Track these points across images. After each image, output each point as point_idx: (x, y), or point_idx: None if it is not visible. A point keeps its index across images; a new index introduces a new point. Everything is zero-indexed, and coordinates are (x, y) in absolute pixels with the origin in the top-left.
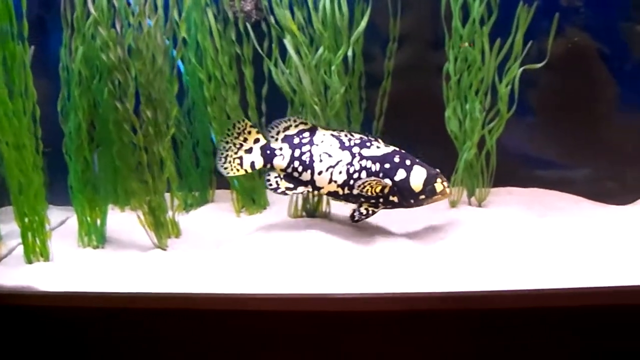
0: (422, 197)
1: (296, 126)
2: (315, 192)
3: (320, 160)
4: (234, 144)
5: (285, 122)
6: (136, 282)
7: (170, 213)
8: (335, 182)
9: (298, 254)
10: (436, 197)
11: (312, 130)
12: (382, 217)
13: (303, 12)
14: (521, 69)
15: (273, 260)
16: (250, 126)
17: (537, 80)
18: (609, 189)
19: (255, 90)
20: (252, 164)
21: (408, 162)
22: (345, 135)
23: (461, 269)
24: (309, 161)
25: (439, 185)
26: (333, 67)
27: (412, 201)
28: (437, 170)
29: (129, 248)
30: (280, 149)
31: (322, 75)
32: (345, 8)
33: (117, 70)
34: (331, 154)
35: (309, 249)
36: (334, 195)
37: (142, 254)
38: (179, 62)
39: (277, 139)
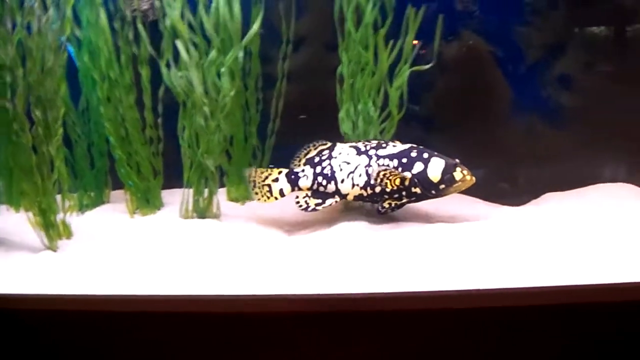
0: (442, 186)
1: (315, 148)
2: (343, 200)
3: (341, 170)
4: (260, 176)
5: (305, 149)
6: (23, 283)
7: (61, 214)
8: (358, 185)
9: (187, 253)
10: (457, 184)
11: (331, 147)
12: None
13: (207, 13)
14: (410, 70)
15: (160, 260)
16: (272, 168)
17: (432, 83)
18: (502, 190)
19: (153, 91)
20: (281, 191)
21: (426, 155)
22: (362, 143)
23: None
24: (331, 173)
25: (458, 174)
26: (223, 69)
27: (433, 192)
28: (457, 160)
29: (19, 249)
30: (303, 170)
31: (213, 77)
32: (237, 11)
33: (6, 69)
34: (349, 161)
35: (197, 249)
36: (360, 198)
37: (32, 255)
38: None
39: (300, 165)
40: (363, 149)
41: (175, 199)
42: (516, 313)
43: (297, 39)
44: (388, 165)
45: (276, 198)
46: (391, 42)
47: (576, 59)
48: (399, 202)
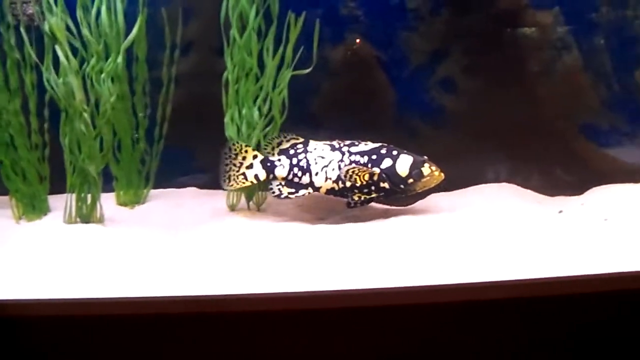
0: (411, 180)
1: (287, 141)
2: (316, 193)
3: (316, 163)
4: (234, 164)
5: (277, 138)
6: None
7: None
8: (330, 179)
9: (66, 259)
10: (425, 179)
11: (305, 142)
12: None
13: (88, 18)
14: (291, 74)
15: (37, 265)
16: (246, 146)
17: (319, 87)
18: None
19: (41, 96)
20: (256, 176)
21: (395, 152)
22: (336, 141)
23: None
24: (306, 166)
25: (426, 169)
26: (103, 75)
27: (402, 186)
28: (425, 157)
29: None
30: (279, 160)
31: (95, 82)
32: (120, 16)
33: None
34: (324, 156)
35: (76, 255)
36: (332, 192)
37: None
38: None
39: (273, 154)
40: (337, 146)
41: (60, 204)
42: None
43: (185, 43)
44: (358, 161)
45: (252, 182)
46: (271, 47)
47: (458, 63)
48: (368, 197)
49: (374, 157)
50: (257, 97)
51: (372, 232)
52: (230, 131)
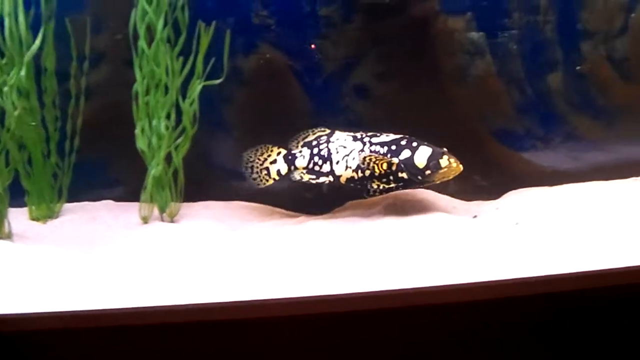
0: (428, 172)
1: (314, 134)
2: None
3: (337, 152)
4: (258, 159)
5: (304, 134)
6: None
7: None
8: (350, 167)
9: None
10: (442, 171)
11: (330, 133)
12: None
13: None
14: (202, 84)
15: None
16: (272, 147)
17: (233, 96)
18: (307, 199)
19: None
20: (279, 172)
21: (415, 144)
22: (359, 133)
23: (137, 284)
24: (327, 154)
25: (444, 161)
26: (6, 89)
27: (419, 177)
28: (445, 149)
29: None
30: (300, 151)
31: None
32: (23, 29)
33: None
34: (346, 145)
35: None
36: (351, 181)
37: None
38: None
39: (297, 147)
40: (359, 136)
41: None
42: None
43: (96, 55)
44: (378, 152)
45: (274, 179)
46: (181, 58)
47: (372, 70)
48: (387, 186)
49: (393, 147)
50: (167, 109)
51: (283, 241)
52: (141, 143)
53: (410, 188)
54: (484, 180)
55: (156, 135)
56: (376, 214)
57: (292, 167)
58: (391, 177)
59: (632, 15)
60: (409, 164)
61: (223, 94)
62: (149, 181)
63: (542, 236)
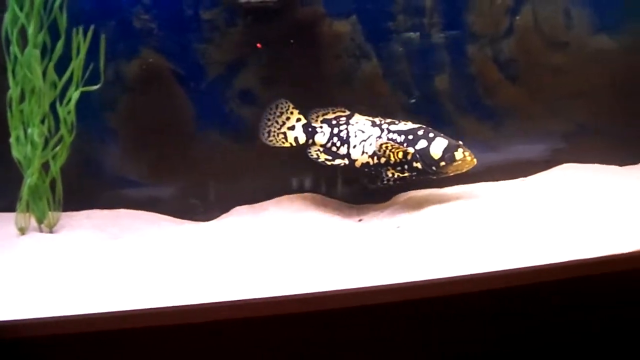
0: (443, 163)
1: (334, 113)
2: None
3: (355, 136)
4: (277, 122)
5: (324, 110)
6: None
7: None
8: (367, 153)
9: None
10: (457, 163)
11: (349, 115)
12: None
13: None
14: (81, 90)
15: None
16: (293, 107)
17: (116, 102)
18: (193, 205)
19: None
20: (296, 139)
21: (431, 135)
22: (378, 118)
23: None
24: (346, 137)
25: (459, 154)
26: None
27: (434, 168)
28: (460, 142)
29: None
30: (321, 127)
31: None
32: None
33: None
34: (364, 130)
35: None
36: (366, 166)
37: None
38: None
39: (317, 121)
40: (378, 122)
41: None
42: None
43: None
44: (395, 140)
45: (291, 144)
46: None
47: (257, 74)
48: (400, 175)
49: (410, 137)
50: (44, 116)
51: (165, 249)
52: (17, 152)
53: (423, 178)
54: (372, 183)
55: (31, 144)
56: (264, 215)
57: (311, 141)
58: (405, 166)
59: (517, 17)
60: (424, 154)
61: (106, 100)
62: (25, 191)
63: (421, 240)
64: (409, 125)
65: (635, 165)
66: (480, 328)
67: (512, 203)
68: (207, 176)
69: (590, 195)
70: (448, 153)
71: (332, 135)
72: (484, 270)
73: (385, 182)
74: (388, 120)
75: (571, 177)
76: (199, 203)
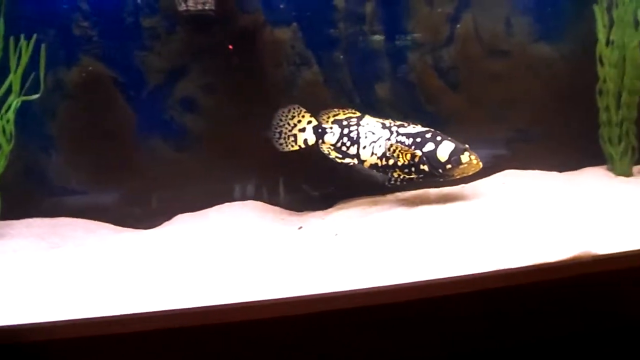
0: (449, 166)
1: (345, 114)
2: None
3: (365, 137)
4: (288, 124)
5: (334, 111)
6: None
7: None
8: (376, 154)
9: None
10: (462, 166)
11: (360, 117)
12: None
13: None
14: (21, 99)
15: None
16: (304, 112)
17: (56, 111)
18: (135, 213)
19: None
20: (305, 141)
21: (439, 138)
22: (388, 120)
23: None
24: (356, 137)
25: (465, 157)
26: None
27: (440, 170)
28: (467, 145)
29: None
30: (331, 127)
31: None
32: None
33: None
34: (374, 132)
35: None
36: (375, 167)
37: None
38: None
39: (327, 122)
40: (388, 124)
41: None
42: None
43: None
44: (403, 142)
45: (300, 147)
46: None
47: (198, 82)
48: (407, 177)
49: (418, 139)
50: None
51: (105, 257)
52: None
53: (430, 180)
54: (317, 190)
55: None
56: (206, 223)
57: (320, 141)
58: (413, 169)
59: (458, 26)
60: (431, 157)
61: (46, 109)
62: None
63: (357, 248)
64: (418, 128)
65: (575, 172)
66: (418, 335)
67: (450, 210)
68: (148, 184)
69: (529, 201)
70: (454, 156)
71: (342, 135)
72: (422, 279)
73: (392, 182)
74: (397, 123)
75: (511, 184)
76: (141, 211)
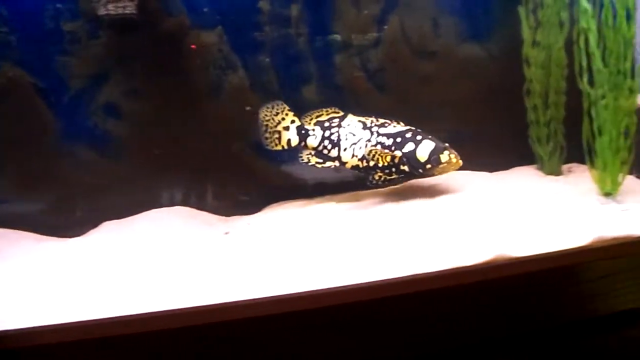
0: (429, 166)
1: (328, 114)
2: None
3: (346, 139)
4: (273, 119)
5: (318, 112)
6: None
7: None
8: (356, 156)
9: None
10: (442, 165)
11: (342, 117)
12: None
13: None
14: None
15: None
16: (288, 109)
17: None
18: (60, 222)
19: None
20: (289, 141)
21: (419, 137)
22: (369, 120)
23: None
24: (337, 140)
25: (444, 156)
26: None
27: (420, 170)
28: (447, 144)
29: None
30: (314, 130)
31: None
32: None
33: None
34: (355, 133)
35: None
36: (356, 168)
37: None
38: None
39: (310, 123)
40: (368, 125)
41: None
42: None
43: None
44: (384, 143)
45: (283, 147)
46: None
47: (122, 87)
48: (388, 177)
49: (398, 139)
50: None
51: (36, 266)
52: None
53: (411, 179)
54: (245, 194)
55: None
56: (132, 230)
57: (303, 143)
58: (393, 169)
59: (385, 27)
60: (411, 157)
61: None
62: None
63: (280, 252)
64: (398, 127)
65: (505, 171)
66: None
67: (377, 213)
68: (73, 191)
69: (458, 202)
70: (434, 156)
71: (323, 138)
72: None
73: (374, 183)
74: (379, 122)
75: (441, 184)
76: (65, 219)
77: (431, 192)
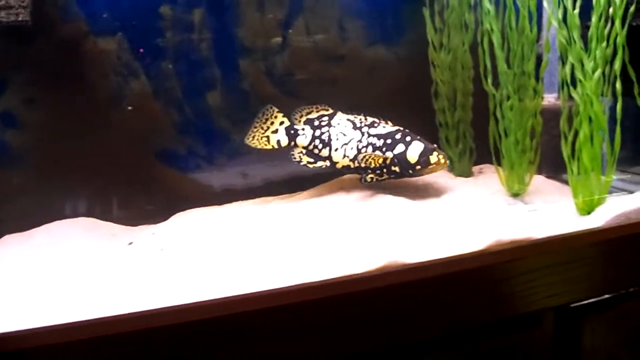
0: (419, 167)
1: (317, 111)
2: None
3: (337, 139)
4: (262, 127)
5: (308, 108)
6: None
7: None
8: (348, 157)
9: None
10: (431, 166)
11: (332, 115)
12: None
13: None
14: None
15: None
16: (277, 112)
17: None
18: None
19: None
20: (278, 142)
21: (408, 139)
22: (358, 119)
23: None
24: (327, 140)
25: (433, 157)
26: None
27: (410, 171)
28: (435, 145)
29: None
30: (303, 129)
31: None
32: None
33: None
34: (345, 133)
35: None
36: (347, 168)
37: None
38: None
39: (300, 122)
40: (358, 124)
41: None
42: None
43: None
44: (374, 144)
45: (273, 147)
46: None
47: (18, 95)
48: (379, 178)
49: (388, 141)
50: None
51: None
52: None
53: (401, 178)
54: (150, 204)
55: None
56: (32, 243)
57: (293, 143)
58: (384, 170)
59: (290, 31)
60: (401, 158)
61: None
62: None
63: (181, 262)
64: (388, 128)
65: None
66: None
67: (287, 220)
68: None
69: (358, 205)
70: (424, 157)
71: (314, 137)
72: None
73: (366, 183)
74: (369, 122)
75: (350, 190)
76: None
77: (340, 197)
